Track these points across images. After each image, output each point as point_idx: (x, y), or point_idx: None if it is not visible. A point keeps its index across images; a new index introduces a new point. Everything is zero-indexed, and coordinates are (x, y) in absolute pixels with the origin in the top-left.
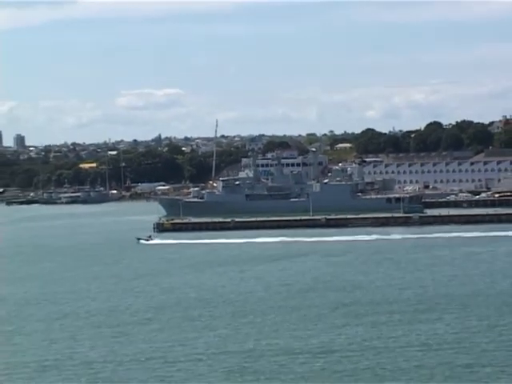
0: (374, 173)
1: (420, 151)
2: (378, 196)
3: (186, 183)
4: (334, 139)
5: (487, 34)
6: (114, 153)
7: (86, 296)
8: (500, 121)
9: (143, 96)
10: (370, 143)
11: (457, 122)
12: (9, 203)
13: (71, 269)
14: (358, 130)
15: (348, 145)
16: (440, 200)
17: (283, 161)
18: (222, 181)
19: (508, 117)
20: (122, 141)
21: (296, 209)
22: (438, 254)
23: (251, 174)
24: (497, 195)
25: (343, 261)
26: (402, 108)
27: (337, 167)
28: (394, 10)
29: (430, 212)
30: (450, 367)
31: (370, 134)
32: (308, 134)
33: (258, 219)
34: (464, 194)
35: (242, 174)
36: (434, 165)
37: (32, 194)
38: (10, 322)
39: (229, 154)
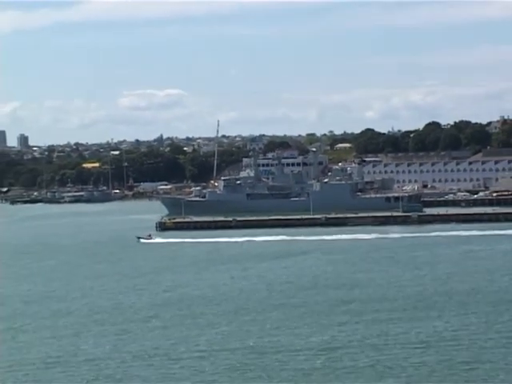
0: (374, 172)
1: (419, 151)
2: (378, 195)
3: (187, 183)
4: (333, 139)
5: (484, 35)
6: (117, 153)
7: (89, 294)
8: (497, 121)
9: (145, 96)
10: (370, 143)
11: (455, 123)
12: (13, 202)
13: (75, 267)
14: (357, 130)
15: (347, 145)
16: (438, 199)
17: (284, 160)
18: (224, 180)
19: (505, 117)
20: (124, 141)
21: (296, 208)
22: (437, 252)
23: (252, 174)
24: (495, 194)
25: (343, 259)
26: (400, 108)
27: (337, 167)
28: (392, 13)
29: (428, 211)
30: (450, 364)
31: (369, 134)
32: (308, 134)
33: (259, 218)
34: (462, 194)
35: (243, 174)
36: (433, 164)
37: (36, 194)
38: (14, 320)
39: (230, 153)
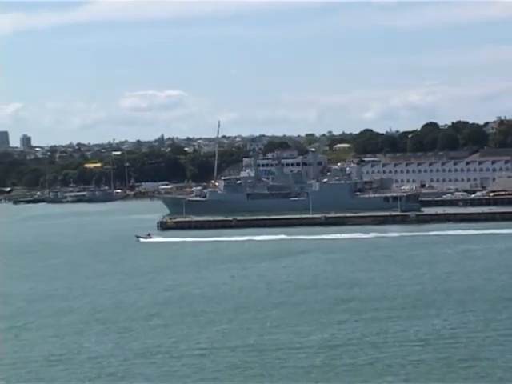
0: (372, 172)
1: (417, 151)
2: (376, 195)
3: (188, 182)
4: (332, 140)
5: (482, 37)
6: (118, 153)
7: (91, 292)
8: (494, 121)
9: (146, 97)
10: (368, 143)
11: (452, 123)
12: (16, 202)
13: (77, 266)
14: (356, 131)
15: (346, 145)
16: (436, 199)
17: (283, 161)
18: (224, 180)
19: (502, 118)
20: (125, 141)
21: (296, 207)
22: (435, 252)
23: (252, 174)
24: (492, 194)
25: (342, 258)
26: (398, 109)
27: (336, 167)
28: (391, 15)
29: (426, 210)
30: (448, 362)
31: (367, 134)
32: (307, 135)
33: (259, 217)
34: (460, 193)
35: (243, 174)
36: (431, 164)
37: (38, 193)
38: (18, 318)
39: (230, 154)
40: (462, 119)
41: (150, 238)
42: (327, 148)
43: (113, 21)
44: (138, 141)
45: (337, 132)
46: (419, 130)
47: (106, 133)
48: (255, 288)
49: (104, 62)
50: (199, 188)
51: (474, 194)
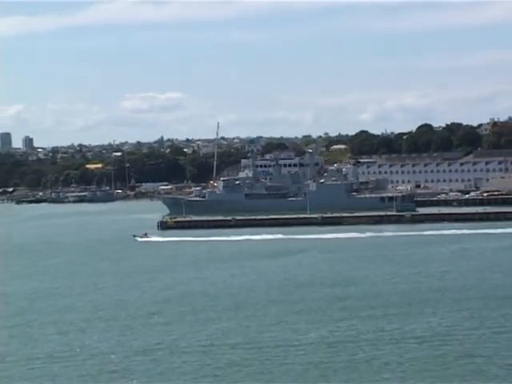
0: (368, 173)
1: (412, 152)
2: (372, 195)
3: (187, 183)
4: (329, 141)
5: (476, 40)
6: (119, 154)
7: (93, 291)
8: (488, 123)
9: (147, 99)
10: (364, 145)
11: (446, 125)
12: (18, 202)
13: (79, 265)
14: (352, 132)
15: (343, 146)
16: (431, 199)
17: (281, 161)
18: (223, 181)
19: (495, 119)
20: (126, 142)
21: (294, 207)
22: (430, 251)
23: (250, 174)
24: (485, 194)
25: (339, 257)
26: (394, 111)
27: (332, 168)
28: (386, 19)
29: (421, 210)
30: (443, 359)
31: (363, 135)
32: (304, 136)
33: (258, 217)
34: (454, 193)
35: (241, 174)
36: (425, 165)
37: (41, 194)
38: (21, 316)
39: (229, 155)
40: (456, 121)
41: (147, 237)
42: (324, 149)
43: (114, 24)
44: (138, 142)
45: (333, 133)
46: (414, 131)
47: (107, 134)
48: (254, 286)
49: (105, 65)
50: (198, 188)
51: (468, 194)
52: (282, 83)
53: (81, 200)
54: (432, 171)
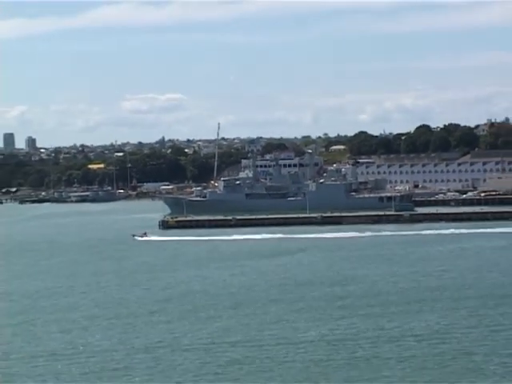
0: (367, 173)
1: (410, 153)
2: (371, 195)
3: (188, 183)
4: (328, 141)
5: (472, 42)
6: (121, 154)
7: (95, 289)
8: (485, 124)
9: (147, 100)
10: (363, 145)
11: (444, 125)
12: (22, 202)
13: (81, 264)
14: (351, 133)
15: (342, 147)
16: (429, 199)
17: (281, 162)
18: (223, 181)
19: (493, 120)
20: (127, 143)
21: (293, 207)
22: (428, 250)
23: (251, 174)
24: (483, 194)
25: (339, 256)
26: (392, 112)
27: (331, 168)
28: (385, 20)
29: (420, 210)
30: (442, 357)
31: (362, 136)
32: (303, 137)
33: (258, 217)
34: (452, 193)
35: (242, 174)
36: (424, 165)
37: (43, 194)
38: (24, 315)
39: (229, 155)
40: (453, 122)
41: (146, 236)
42: (323, 149)
43: (114, 26)
44: (140, 142)
45: (332, 134)
46: (412, 132)
47: (109, 135)
48: (254, 285)
49: (105, 66)
50: (199, 188)
51: (465, 194)
52: (282, 84)
53: (83, 200)
54: (430, 171)
